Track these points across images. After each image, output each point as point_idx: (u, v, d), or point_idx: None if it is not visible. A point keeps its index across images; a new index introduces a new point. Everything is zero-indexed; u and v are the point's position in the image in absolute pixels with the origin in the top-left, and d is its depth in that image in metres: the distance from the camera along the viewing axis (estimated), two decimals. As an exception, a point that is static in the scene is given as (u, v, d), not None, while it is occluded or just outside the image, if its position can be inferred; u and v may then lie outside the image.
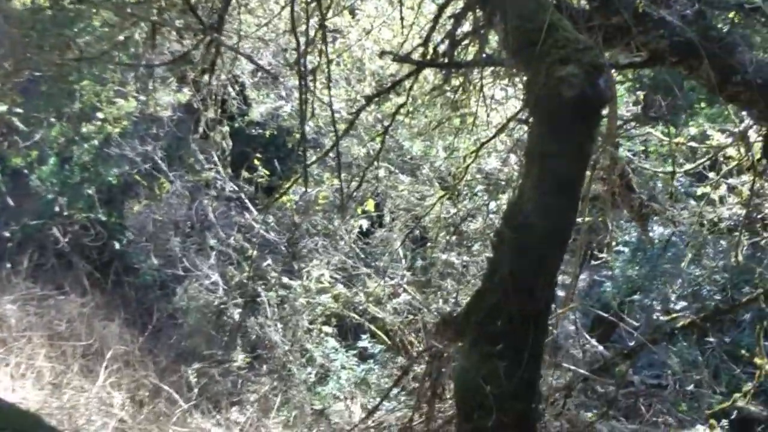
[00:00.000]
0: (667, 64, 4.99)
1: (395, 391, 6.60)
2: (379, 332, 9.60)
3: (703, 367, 9.35)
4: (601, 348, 9.80)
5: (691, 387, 9.36)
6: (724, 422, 7.49)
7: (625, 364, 7.06)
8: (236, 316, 9.47)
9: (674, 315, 6.71)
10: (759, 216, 6.15)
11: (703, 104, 9.77)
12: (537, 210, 3.85)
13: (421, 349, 8.72)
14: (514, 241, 3.88)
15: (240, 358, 9.02)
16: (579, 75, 3.75)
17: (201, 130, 7.48)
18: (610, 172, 6.84)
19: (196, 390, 8.95)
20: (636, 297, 10.45)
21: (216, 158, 10.43)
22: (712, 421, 6.83)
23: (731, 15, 5.56)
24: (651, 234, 7.83)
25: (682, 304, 8.94)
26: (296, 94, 9.72)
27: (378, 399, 8.52)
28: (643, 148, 7.36)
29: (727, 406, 6.85)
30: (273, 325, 8.86)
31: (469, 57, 6.30)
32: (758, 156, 5.42)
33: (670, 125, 6.27)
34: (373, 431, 6.72)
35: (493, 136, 7.27)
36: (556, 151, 3.82)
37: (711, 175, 6.58)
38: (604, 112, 4.69)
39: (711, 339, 8.76)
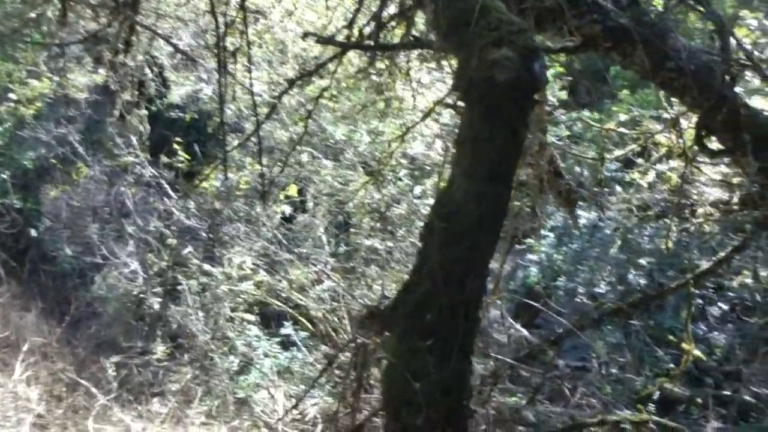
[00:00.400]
0: (600, 49, 4.86)
1: (321, 381, 6.40)
2: (302, 319, 9.37)
3: (627, 351, 9.37)
4: (525, 333, 9.76)
5: (615, 370, 9.37)
6: (651, 407, 7.47)
7: (552, 350, 6.97)
8: (156, 306, 9.16)
9: (602, 301, 6.64)
10: (687, 202, 6.09)
11: (626, 91, 9.77)
12: (468, 197, 3.66)
13: (345, 337, 8.54)
14: (444, 230, 3.69)
15: (160, 349, 8.71)
16: (513, 58, 3.57)
17: (118, 112, 7.14)
18: (538, 158, 6.73)
19: (115, 382, 8.63)
20: (560, 282, 10.43)
21: (134, 142, 10.06)
22: (639, 405, 6.80)
23: (663, 1, 5.47)
24: (579, 220, 7.75)
25: (608, 289, 8.94)
26: (217, 77, 9.41)
27: (302, 387, 8.32)
28: (569, 133, 7.28)
29: (654, 389, 6.82)
30: (194, 314, 8.58)
31: (396, 39, 6.12)
32: (690, 143, 5.35)
33: (598, 111, 6.17)
34: (298, 423, 6.52)
35: (420, 121, 7.10)
36: (488, 137, 3.63)
37: (639, 161, 6.52)
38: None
39: (634, 322, 8.74)
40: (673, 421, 8.37)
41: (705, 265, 6.23)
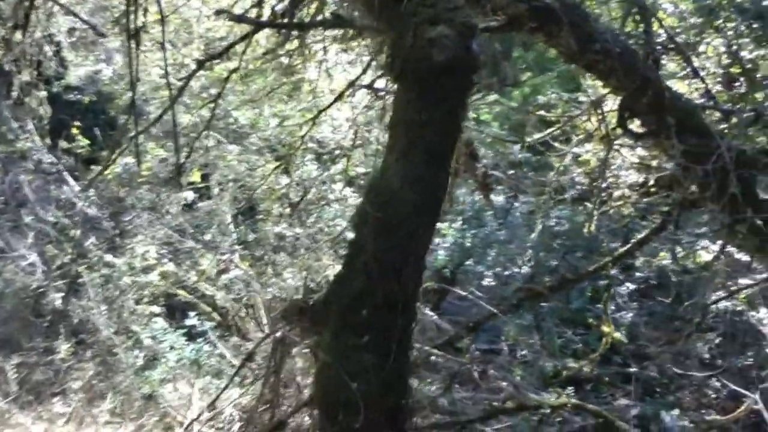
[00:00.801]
0: (525, 29, 4.68)
1: (235, 376, 6.10)
2: (209, 309, 9.00)
3: (536, 333, 9.34)
4: (436, 318, 9.62)
5: (524, 352, 9.33)
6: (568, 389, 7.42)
7: (470, 337, 6.84)
8: (58, 301, 8.64)
9: (519, 286, 6.52)
10: (605, 185, 6.01)
11: (529, 73, 9.69)
12: (404, 183, 3.43)
13: (257, 328, 8.22)
14: (379, 219, 3.45)
15: (64, 348, 8.21)
16: (451, 36, 3.35)
17: (15, 94, 6.61)
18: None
19: (14, 383, 8.08)
20: (469, 265, 10.32)
21: (32, 126, 9.45)
22: (558, 389, 6.73)
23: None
24: (494, 203, 7.62)
25: (521, 272, 8.88)
26: (117, 57, 8.92)
27: (211, 379, 7.98)
28: (488, 115, 7.13)
29: (574, 370, 6.75)
30: (96, 308, 8.12)
31: (309, 18, 5.83)
32: (613, 125, 5.24)
33: (517, 93, 6.03)
34: (213, 422, 6.21)
35: (332, 103, 6.81)
36: (425, 119, 3.41)
37: (556, 144, 6.41)
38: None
39: (543, 304, 8.69)
40: (582, 400, 8.39)
41: (623, 247, 6.18)
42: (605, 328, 6.37)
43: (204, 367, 8.32)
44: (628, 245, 6.12)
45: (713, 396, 8.56)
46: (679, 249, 6.19)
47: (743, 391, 6.96)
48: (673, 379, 9.44)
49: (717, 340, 8.51)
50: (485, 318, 6.58)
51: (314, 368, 4.52)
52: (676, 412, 9.03)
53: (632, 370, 9.78)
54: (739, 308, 7.77)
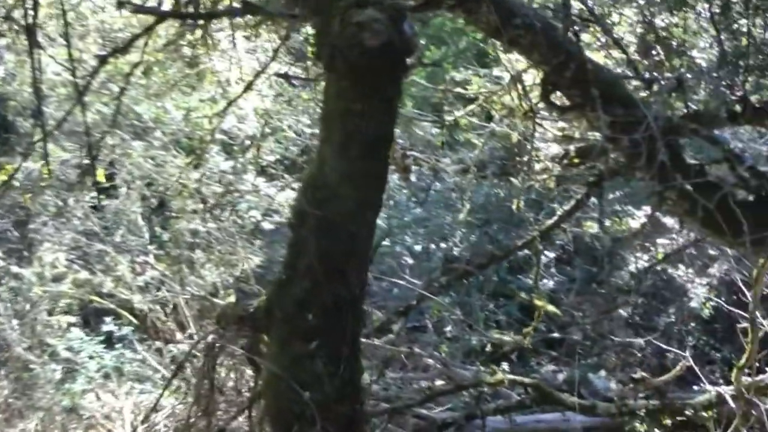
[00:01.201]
0: (444, 7, 4.49)
1: (167, 387, 5.79)
2: (125, 313, 8.59)
3: (459, 307, 9.24)
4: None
5: (450, 327, 9.24)
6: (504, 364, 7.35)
7: (401, 321, 6.68)
8: (-37, 320, 8.11)
9: (448, 266, 6.39)
10: (526, 159, 5.90)
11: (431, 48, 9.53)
12: (344, 179, 3.22)
13: (178, 329, 7.88)
14: (319, 218, 3.23)
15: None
16: (381, 20, 3.13)
17: None
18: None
19: None
20: (387, 245, 10.16)
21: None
22: (493, 366, 6.63)
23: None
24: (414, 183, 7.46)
25: (442, 250, 8.76)
26: (6, 56, 8.37)
27: (135, 385, 7.65)
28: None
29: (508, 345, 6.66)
30: (7, 323, 7.64)
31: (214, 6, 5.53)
32: (536, 101, 5.12)
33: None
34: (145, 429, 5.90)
35: (241, 93, 6.51)
36: (362, 110, 3.19)
37: (474, 120, 6.27)
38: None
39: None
40: (511, 370, 8.36)
41: (549, 220, 6.10)
42: (538, 302, 6.30)
43: (127, 374, 7.96)
44: (555, 218, 6.05)
45: (639, 355, 8.66)
46: (605, 217, 6.15)
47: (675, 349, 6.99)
48: (596, 342, 9.53)
49: (640, 300, 8.58)
50: (417, 301, 6.42)
51: (252, 373, 4.29)
52: (602, 373, 9.12)
53: (555, 335, 9.87)
54: (660, 267, 7.82)
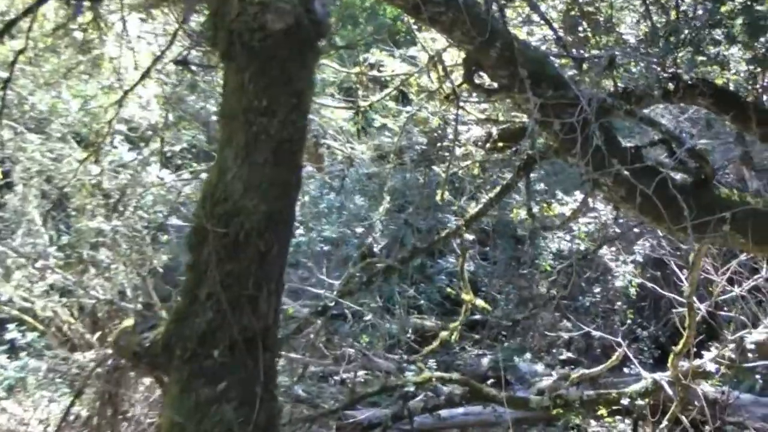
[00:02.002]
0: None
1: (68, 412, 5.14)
2: (29, 319, 7.82)
3: (378, 296, 8.72)
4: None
5: (369, 317, 8.71)
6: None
7: (321, 320, 6.11)
8: None
9: (369, 260, 5.85)
10: (446, 144, 5.39)
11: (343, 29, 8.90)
12: (251, 189, 2.63)
13: (82, 335, 7.15)
14: (222, 237, 2.64)
15: None
16: (287, -2, 2.55)
17: None
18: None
19: None
20: (302, 238, 9.58)
21: None
22: (420, 364, 6.15)
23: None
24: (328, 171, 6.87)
25: (357, 241, 8.23)
26: None
27: (43, 393, 6.96)
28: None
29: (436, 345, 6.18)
30: None
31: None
32: (459, 82, 4.60)
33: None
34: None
35: (139, 81, 5.82)
36: (266, 106, 2.61)
37: (391, 104, 5.73)
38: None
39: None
40: (434, 355, 7.91)
41: (474, 208, 5.60)
42: (465, 296, 5.82)
43: (32, 384, 7.25)
44: (480, 205, 5.56)
45: (565, 337, 8.30)
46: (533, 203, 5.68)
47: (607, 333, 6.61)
48: (519, 323, 9.15)
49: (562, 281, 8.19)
50: (335, 302, 5.87)
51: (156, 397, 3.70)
52: (528, 356, 8.74)
53: (476, 318, 9.45)
54: (583, 247, 7.43)
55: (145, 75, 5.80)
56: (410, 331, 9.46)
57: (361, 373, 9.30)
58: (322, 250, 9.68)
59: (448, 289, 7.68)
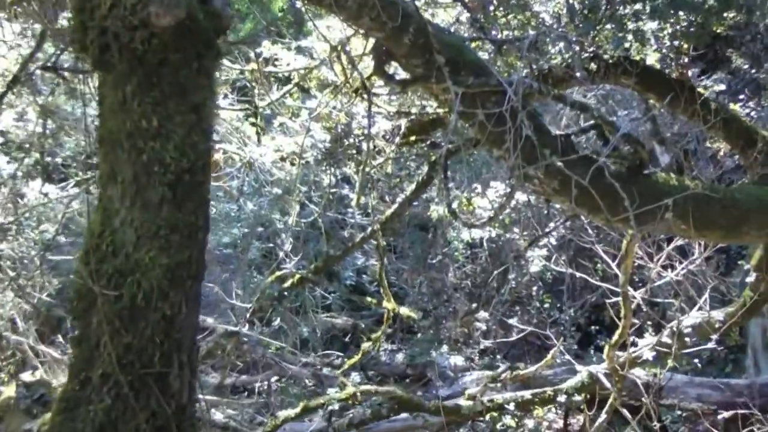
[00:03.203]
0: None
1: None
2: None
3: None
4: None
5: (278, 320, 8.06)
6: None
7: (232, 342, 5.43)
8: None
9: (279, 273, 5.21)
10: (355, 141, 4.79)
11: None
12: (144, 238, 1.96)
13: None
14: (114, 301, 1.96)
15: None
16: (175, -15, 1.88)
17: None
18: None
19: None
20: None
21: None
22: (342, 379, 5.55)
23: None
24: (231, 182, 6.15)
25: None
26: None
27: None
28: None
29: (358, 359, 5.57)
30: None
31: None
32: (368, 73, 4.00)
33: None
34: None
35: (8, 89, 4.97)
36: (157, 128, 1.94)
37: (289, 101, 5.07)
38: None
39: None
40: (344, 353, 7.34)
41: (390, 209, 5.03)
42: (388, 305, 5.24)
43: None
44: (395, 205, 4.99)
45: (482, 327, 7.84)
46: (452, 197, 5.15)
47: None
48: (431, 314, 8.67)
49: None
50: (246, 322, 5.20)
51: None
52: (444, 348, 8.26)
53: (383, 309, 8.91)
54: (494, 234, 6.95)
55: (15, 81, 4.96)
56: (320, 332, 8.88)
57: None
58: (222, 254, 8.99)
59: (369, 299, 7.08)
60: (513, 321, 7.45)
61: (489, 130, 3.81)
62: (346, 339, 9.22)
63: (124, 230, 1.94)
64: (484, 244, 7.10)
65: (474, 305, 7.52)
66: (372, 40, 3.92)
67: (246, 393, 7.89)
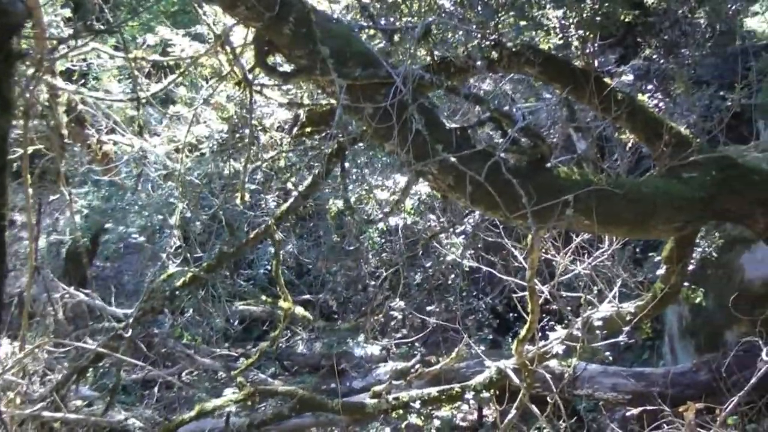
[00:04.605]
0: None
1: None
2: None
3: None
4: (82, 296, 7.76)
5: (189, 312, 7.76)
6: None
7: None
8: None
9: (171, 272, 4.92)
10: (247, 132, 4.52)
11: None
12: None
13: None
14: None
15: None
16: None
17: None
18: (52, 107, 4.69)
19: None
20: (111, 227, 8.51)
21: None
22: (240, 379, 5.29)
23: None
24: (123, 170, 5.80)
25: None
26: None
27: None
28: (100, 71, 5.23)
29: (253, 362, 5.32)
30: None
31: None
32: (251, 65, 3.72)
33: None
34: None
35: None
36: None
37: (181, 91, 4.77)
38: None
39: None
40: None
41: (285, 203, 4.78)
42: (284, 304, 4.99)
43: None
44: (291, 200, 4.73)
45: (398, 315, 7.67)
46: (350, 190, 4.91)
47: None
48: (348, 303, 8.47)
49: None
50: (141, 314, 4.90)
51: None
52: (361, 338, 8.07)
53: (308, 297, 8.69)
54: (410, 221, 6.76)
55: None
56: (236, 321, 8.60)
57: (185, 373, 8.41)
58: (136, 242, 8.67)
59: (264, 297, 6.83)
60: (430, 308, 7.29)
61: (374, 125, 3.61)
62: (264, 327, 8.97)
63: None
64: (399, 231, 6.89)
65: (390, 293, 7.33)
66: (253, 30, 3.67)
67: (156, 388, 7.60)
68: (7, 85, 1.79)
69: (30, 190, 4.25)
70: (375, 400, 5.17)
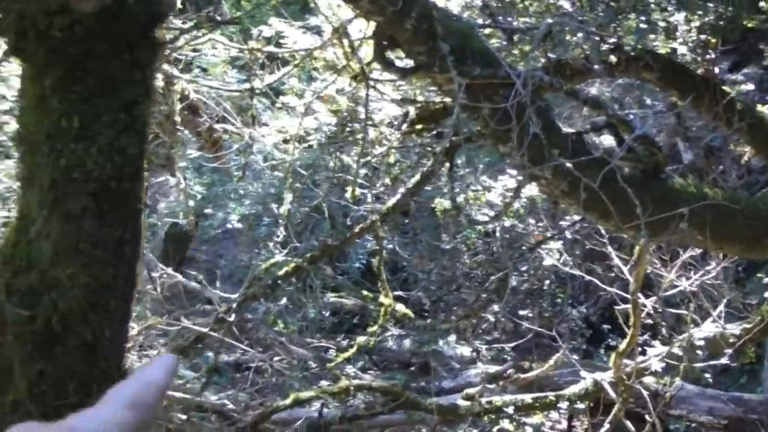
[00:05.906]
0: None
1: None
2: None
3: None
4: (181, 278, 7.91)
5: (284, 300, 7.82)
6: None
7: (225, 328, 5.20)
8: None
9: (275, 260, 4.97)
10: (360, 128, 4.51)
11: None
12: (63, 253, 1.71)
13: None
14: (27, 322, 1.72)
15: None
16: (101, -37, 1.60)
17: None
18: (167, 94, 4.77)
19: None
20: (210, 212, 8.68)
21: None
22: (335, 372, 5.32)
23: None
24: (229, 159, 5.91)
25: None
26: None
27: None
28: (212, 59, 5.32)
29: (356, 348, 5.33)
30: None
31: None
32: (369, 59, 3.72)
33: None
34: None
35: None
36: (80, 128, 1.67)
37: (294, 82, 4.80)
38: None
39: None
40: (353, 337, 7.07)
41: (391, 200, 4.76)
42: (385, 300, 4.98)
43: None
44: (398, 196, 4.72)
45: (491, 318, 7.58)
46: (457, 190, 4.85)
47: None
48: (441, 302, 8.40)
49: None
50: (242, 302, 4.95)
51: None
52: (452, 338, 8.01)
53: (400, 293, 8.66)
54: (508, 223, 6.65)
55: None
56: (328, 312, 8.65)
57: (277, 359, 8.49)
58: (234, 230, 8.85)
59: (365, 292, 6.82)
60: (524, 313, 7.17)
61: (493, 126, 3.54)
62: (355, 321, 8.99)
63: (40, 242, 1.69)
64: (497, 233, 6.79)
65: (484, 296, 7.24)
66: (373, 24, 3.64)
67: (247, 372, 7.70)
68: (150, 72, 1.80)
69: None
70: (468, 403, 5.11)
